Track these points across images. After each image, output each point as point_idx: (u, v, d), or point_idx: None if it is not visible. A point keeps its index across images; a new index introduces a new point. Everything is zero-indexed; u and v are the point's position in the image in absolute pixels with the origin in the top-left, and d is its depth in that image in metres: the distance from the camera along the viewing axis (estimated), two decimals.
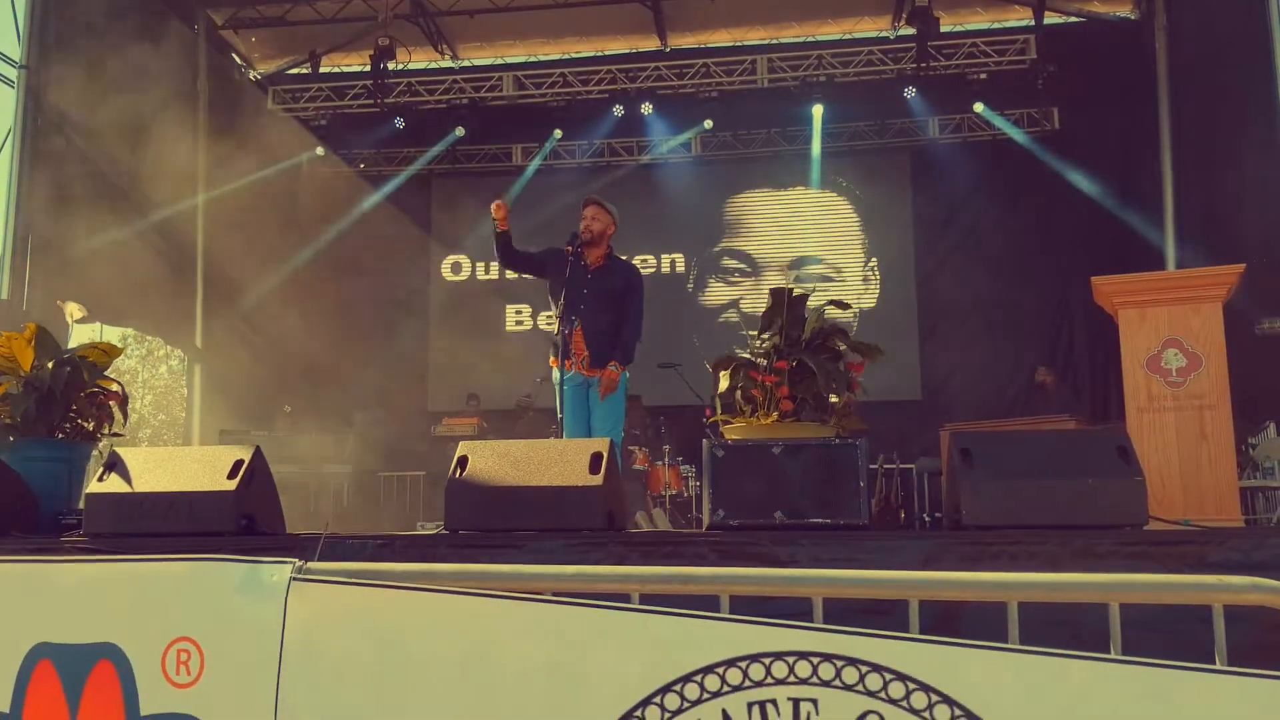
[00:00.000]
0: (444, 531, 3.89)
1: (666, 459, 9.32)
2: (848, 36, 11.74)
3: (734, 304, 12.34)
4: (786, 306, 4.54)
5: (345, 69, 12.39)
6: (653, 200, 12.31)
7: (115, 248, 9.13)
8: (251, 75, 12.53)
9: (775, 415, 4.38)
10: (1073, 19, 11.32)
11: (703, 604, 1.90)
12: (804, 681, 1.75)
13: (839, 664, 1.74)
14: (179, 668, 2.05)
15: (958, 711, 1.72)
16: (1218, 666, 1.75)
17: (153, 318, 10.60)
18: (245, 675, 2.03)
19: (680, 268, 12.59)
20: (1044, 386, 10.38)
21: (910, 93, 11.17)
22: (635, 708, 1.80)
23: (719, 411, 4.62)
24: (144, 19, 9.99)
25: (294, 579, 2.05)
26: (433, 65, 12.45)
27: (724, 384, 4.52)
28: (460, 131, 12.14)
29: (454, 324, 12.62)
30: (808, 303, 4.67)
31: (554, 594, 1.96)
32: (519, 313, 12.75)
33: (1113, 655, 1.78)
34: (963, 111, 11.56)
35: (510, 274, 12.73)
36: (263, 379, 11.05)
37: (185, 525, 3.82)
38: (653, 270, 12.28)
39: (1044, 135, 11.36)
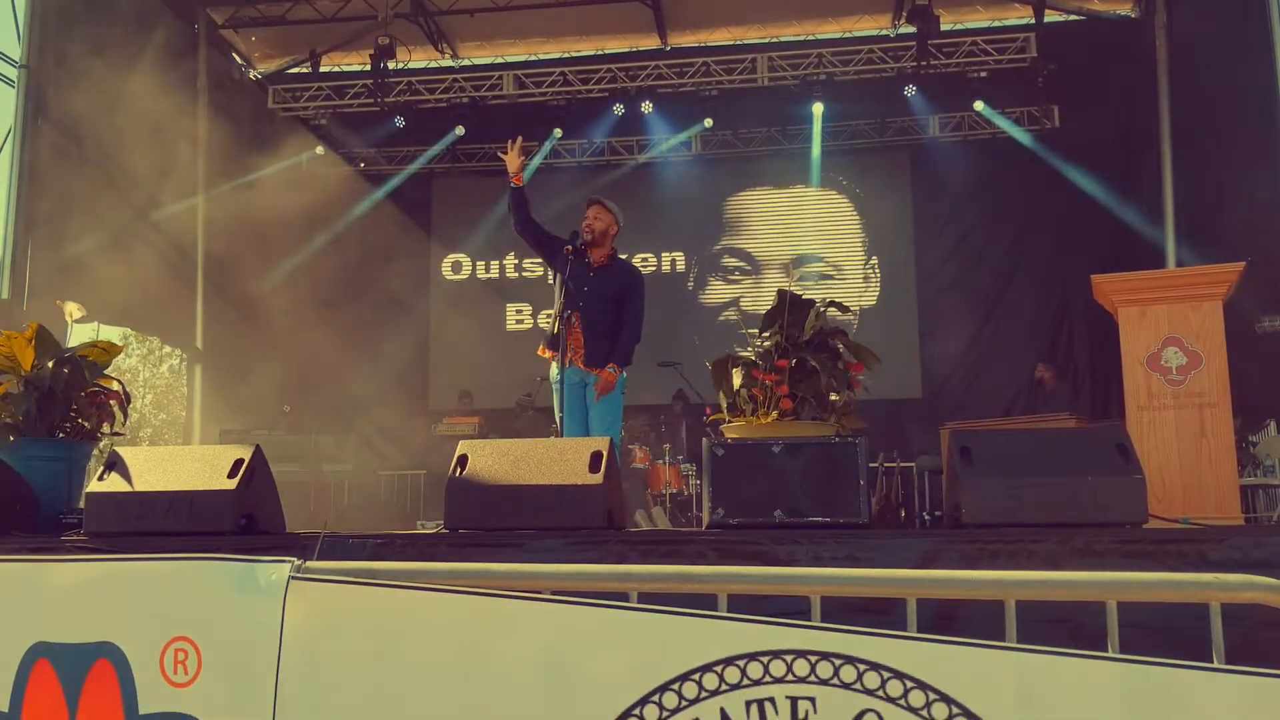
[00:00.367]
0: (444, 530, 3.89)
1: (666, 457, 9.33)
2: (848, 35, 11.73)
3: (734, 303, 12.35)
4: (788, 307, 4.54)
5: (345, 68, 12.38)
6: (653, 199, 12.31)
7: (115, 247, 9.13)
8: (252, 74, 12.53)
9: (775, 414, 4.39)
10: (1073, 17, 11.30)
11: (702, 603, 1.90)
12: (802, 680, 1.75)
13: (837, 662, 1.74)
14: (176, 667, 2.05)
15: (955, 710, 1.72)
16: (1215, 665, 1.75)
17: (153, 317, 10.59)
18: (243, 674, 2.03)
19: (680, 266, 12.59)
20: (1043, 383, 10.38)
21: (910, 91, 11.16)
22: (634, 706, 1.80)
23: (723, 409, 4.62)
24: (144, 18, 9.99)
25: (293, 578, 2.05)
26: (433, 64, 12.44)
27: (738, 380, 4.51)
28: (460, 130, 12.14)
29: (454, 323, 12.63)
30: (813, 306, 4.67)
31: (553, 593, 1.96)
32: (519, 311, 12.76)
33: (1110, 653, 1.78)
34: (963, 110, 11.56)
35: (511, 273, 12.87)
36: (263, 378, 11.05)
37: (185, 524, 3.82)
38: (653, 269, 12.29)
39: (1044, 133, 11.36)
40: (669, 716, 1.78)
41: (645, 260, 12.22)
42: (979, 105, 11.38)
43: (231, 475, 3.91)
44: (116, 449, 4.17)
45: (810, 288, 11.55)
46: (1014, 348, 11.36)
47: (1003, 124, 11.45)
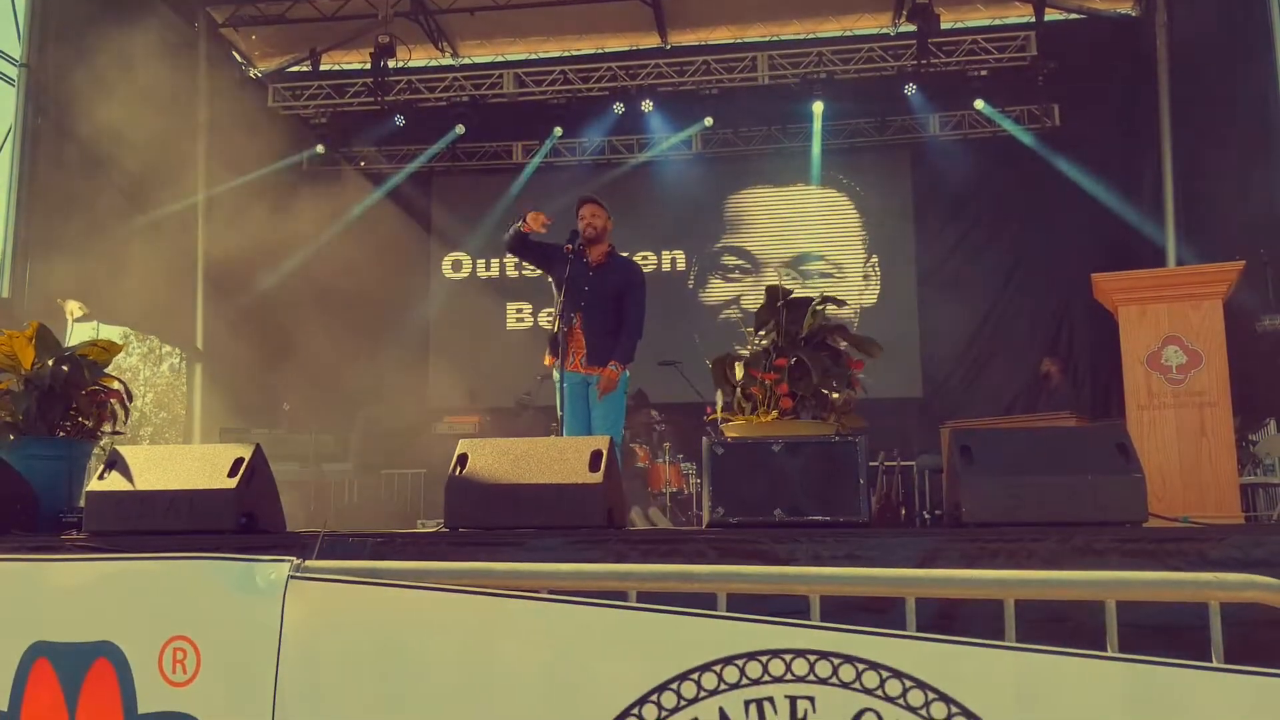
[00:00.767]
0: (444, 529, 3.89)
1: (667, 456, 9.32)
2: (848, 33, 11.73)
3: (734, 301, 12.34)
4: (785, 306, 4.54)
5: (345, 67, 12.37)
6: (653, 198, 12.31)
7: (115, 246, 9.13)
8: (252, 73, 12.52)
9: (775, 413, 4.39)
10: (1073, 16, 11.30)
11: (701, 602, 1.90)
12: (801, 679, 1.75)
13: (836, 662, 1.74)
14: (175, 666, 2.05)
15: (954, 709, 1.72)
16: (1214, 664, 1.75)
17: (153, 316, 10.59)
18: (242, 674, 2.03)
19: (681, 265, 12.58)
20: (1049, 377, 10.38)
21: (911, 89, 11.15)
22: (633, 706, 1.80)
23: (720, 409, 4.62)
24: (144, 17, 9.97)
25: (292, 577, 2.05)
26: (433, 63, 12.43)
27: (739, 373, 4.52)
28: (460, 129, 12.12)
29: (454, 322, 12.63)
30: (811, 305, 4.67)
31: (552, 592, 1.96)
32: (519, 310, 12.75)
33: (1110, 653, 1.78)
34: (963, 108, 11.54)
35: (511, 272, 12.87)
36: (263, 377, 11.06)
37: (186, 523, 3.82)
38: (653, 268, 12.28)
39: (1044, 132, 11.35)
40: (668, 716, 1.78)
41: (645, 259, 12.20)
42: (979, 104, 11.37)
43: (231, 474, 3.91)
44: (117, 448, 4.17)
45: (811, 287, 11.54)
46: (1014, 347, 11.36)
47: (1003, 123, 11.44)
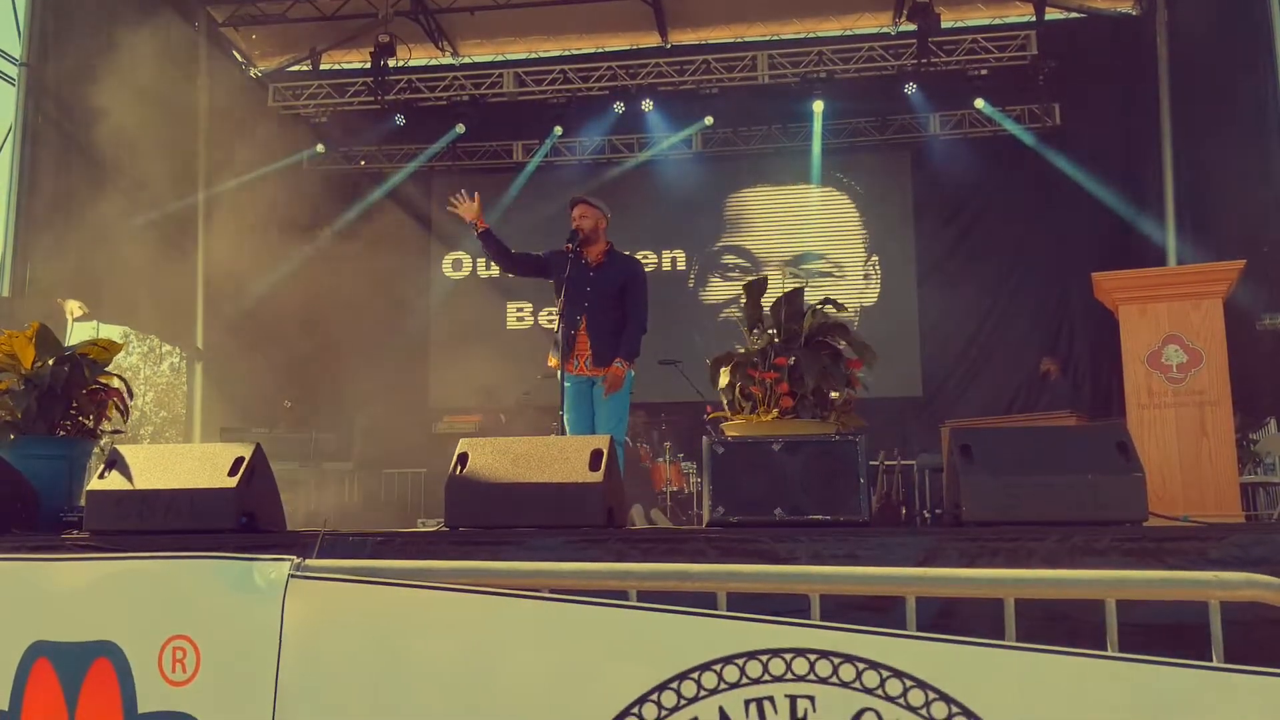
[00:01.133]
0: (444, 528, 3.89)
1: (668, 455, 9.33)
2: (848, 33, 11.74)
3: (735, 301, 12.33)
4: (784, 303, 4.54)
5: (346, 66, 12.38)
6: (653, 197, 12.31)
7: (116, 245, 9.13)
8: (252, 72, 12.53)
9: (775, 412, 4.39)
10: (1074, 15, 11.31)
11: (701, 601, 1.90)
12: (801, 679, 1.75)
13: (836, 661, 1.74)
14: (175, 665, 2.05)
15: (955, 709, 1.71)
16: (1214, 664, 1.75)
17: (153, 315, 10.60)
18: (242, 673, 2.03)
19: (681, 265, 12.58)
20: (1048, 376, 10.38)
21: (911, 89, 11.15)
22: (632, 705, 1.80)
23: (723, 407, 4.63)
24: (144, 16, 9.98)
25: (292, 576, 2.05)
26: (433, 62, 12.44)
27: (723, 380, 4.52)
28: (461, 128, 12.13)
29: (454, 321, 12.63)
30: (806, 300, 4.68)
31: (552, 591, 1.96)
32: (520, 310, 12.76)
33: (1110, 653, 1.78)
34: (963, 108, 11.54)
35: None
36: (263, 377, 11.06)
37: (186, 523, 3.82)
38: (654, 267, 12.28)
39: (1045, 131, 11.35)
40: (668, 715, 1.78)
41: (646, 258, 12.19)
42: (980, 103, 11.37)
43: (232, 473, 3.91)
44: (117, 447, 4.17)
45: (811, 286, 11.55)
46: (1015, 346, 11.36)
47: (1004, 122, 11.44)
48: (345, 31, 11.56)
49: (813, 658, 1.75)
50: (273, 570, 2.06)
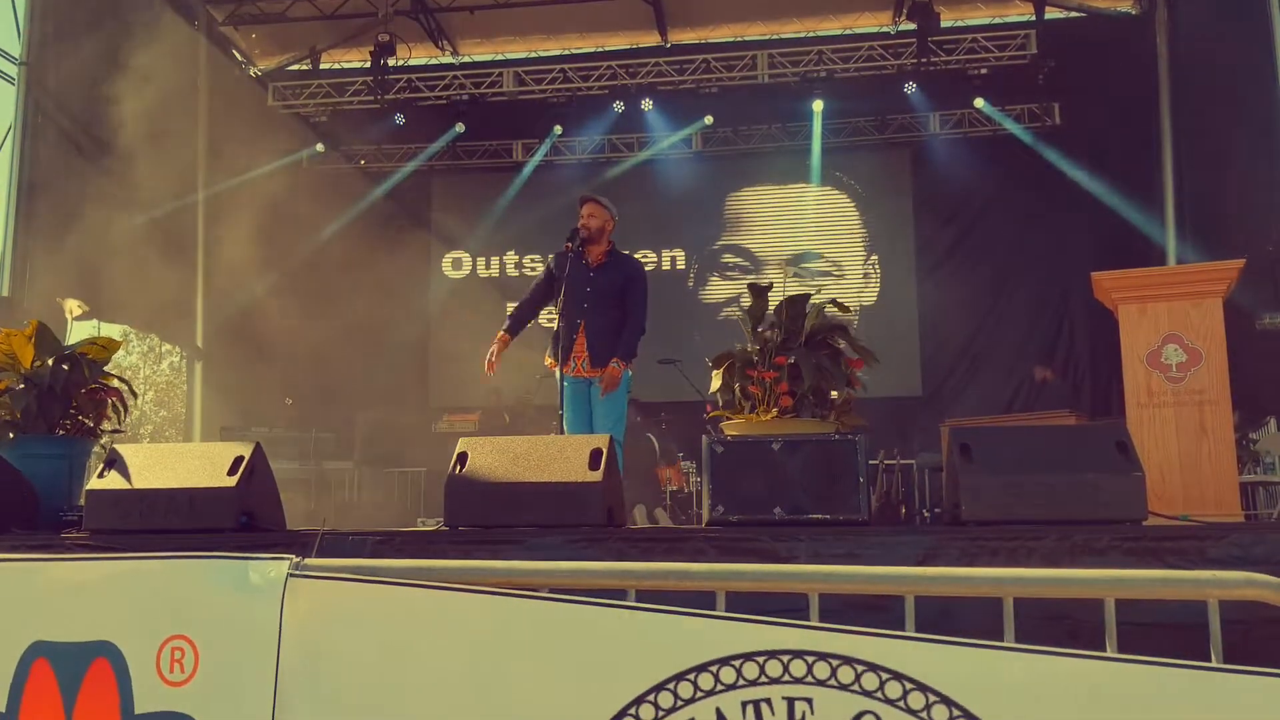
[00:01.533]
0: (444, 528, 3.89)
1: (658, 455, 9.36)
2: (848, 32, 11.73)
3: (734, 300, 12.33)
4: (785, 304, 4.54)
5: (345, 65, 12.38)
6: (653, 196, 12.31)
7: (115, 244, 9.12)
8: (252, 72, 12.52)
9: (775, 411, 4.39)
10: (1073, 14, 11.30)
11: (700, 600, 1.90)
12: (799, 680, 1.74)
13: (835, 663, 1.74)
14: (173, 665, 2.05)
15: (956, 712, 1.71)
16: (1213, 663, 1.75)
17: (153, 314, 10.60)
18: (241, 673, 2.02)
19: (680, 264, 12.58)
20: (1045, 382, 10.38)
21: (911, 88, 11.15)
22: (630, 705, 1.79)
23: (716, 408, 4.63)
24: (144, 15, 9.98)
25: (291, 575, 2.04)
26: (433, 61, 12.44)
27: (716, 382, 4.53)
28: (460, 128, 12.14)
29: (454, 320, 12.62)
30: (809, 300, 4.68)
31: (551, 590, 1.96)
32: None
33: (1109, 652, 1.78)
34: (963, 107, 11.55)
35: (511, 270, 12.88)
36: (263, 376, 11.06)
37: (185, 522, 3.82)
38: (653, 266, 12.28)
39: (1045, 131, 11.35)
40: (664, 716, 1.78)
41: (645, 257, 12.20)
42: (979, 102, 11.37)
43: (231, 473, 3.91)
44: (116, 446, 4.17)
45: (811, 285, 11.54)
46: (1014, 345, 11.37)
47: (1003, 121, 11.44)
48: (345, 30, 11.56)
49: (811, 659, 1.75)
50: (272, 569, 2.06)
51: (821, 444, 3.93)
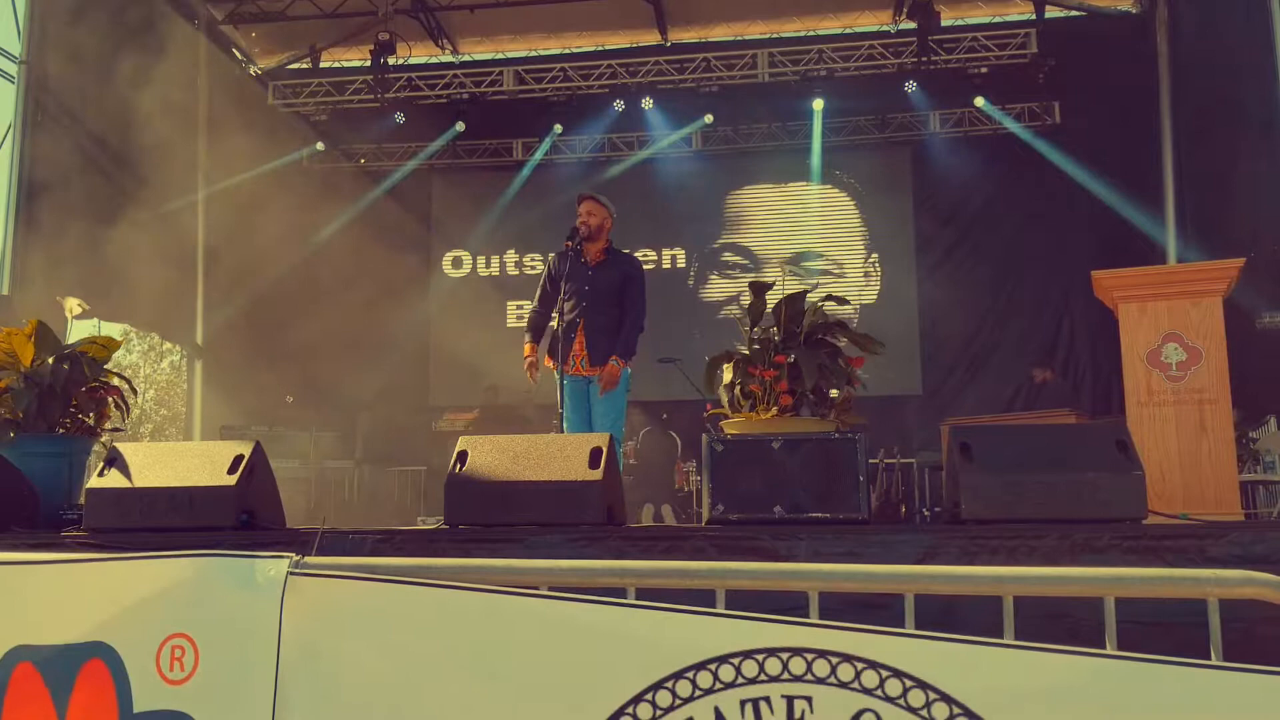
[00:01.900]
0: (444, 526, 3.90)
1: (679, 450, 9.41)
2: (848, 31, 11.73)
3: (734, 299, 12.33)
4: (784, 302, 4.54)
5: (345, 64, 12.37)
6: (653, 195, 12.30)
7: (115, 243, 9.12)
8: (252, 70, 12.52)
9: (775, 410, 4.39)
10: (1074, 13, 11.30)
11: (699, 599, 1.90)
12: (798, 678, 1.74)
13: (834, 660, 1.74)
14: (173, 664, 2.05)
15: (956, 709, 1.71)
16: (1213, 661, 1.75)
17: (153, 313, 10.60)
18: (241, 671, 2.02)
19: (681, 263, 12.58)
20: (1045, 383, 10.38)
21: (911, 87, 11.15)
22: (628, 704, 1.79)
23: (715, 407, 4.63)
24: (144, 14, 9.98)
25: (291, 574, 2.04)
26: (433, 60, 12.44)
27: (726, 377, 4.53)
28: (460, 126, 12.13)
29: (455, 319, 12.63)
30: (807, 298, 4.68)
31: (551, 588, 1.96)
32: (520, 308, 12.75)
33: (1109, 651, 1.78)
34: (963, 106, 11.54)
35: (512, 269, 12.88)
36: (264, 375, 11.06)
37: (185, 520, 3.82)
38: (653, 265, 12.27)
39: (1045, 129, 11.35)
40: (663, 715, 1.77)
41: (646, 256, 12.20)
42: (979, 101, 11.36)
43: (231, 471, 3.91)
44: (116, 445, 4.17)
45: (811, 284, 11.55)
46: (1014, 344, 11.36)
47: (1003, 120, 11.44)
48: (345, 29, 11.55)
49: (810, 657, 1.74)
50: (272, 568, 2.06)
51: (821, 443, 3.93)
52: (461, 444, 3.98)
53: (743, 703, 1.75)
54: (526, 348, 5.93)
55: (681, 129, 12.12)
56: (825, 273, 12.08)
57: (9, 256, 8.48)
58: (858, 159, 12.27)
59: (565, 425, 5.58)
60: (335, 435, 10.65)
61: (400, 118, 11.86)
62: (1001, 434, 4.18)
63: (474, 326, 12.41)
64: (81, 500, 4.19)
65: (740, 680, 1.76)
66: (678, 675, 1.78)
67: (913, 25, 10.57)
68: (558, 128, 12.26)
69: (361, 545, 3.58)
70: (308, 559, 2.07)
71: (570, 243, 5.78)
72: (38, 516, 4.29)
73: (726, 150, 12.37)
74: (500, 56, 12.49)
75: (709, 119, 11.99)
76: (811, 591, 1.91)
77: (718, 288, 12.50)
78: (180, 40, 10.69)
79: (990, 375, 11.39)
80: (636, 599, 1.91)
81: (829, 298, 4.74)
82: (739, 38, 11.95)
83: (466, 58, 12.58)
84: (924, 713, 1.71)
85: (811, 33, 11.83)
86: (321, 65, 12.16)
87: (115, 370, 5.04)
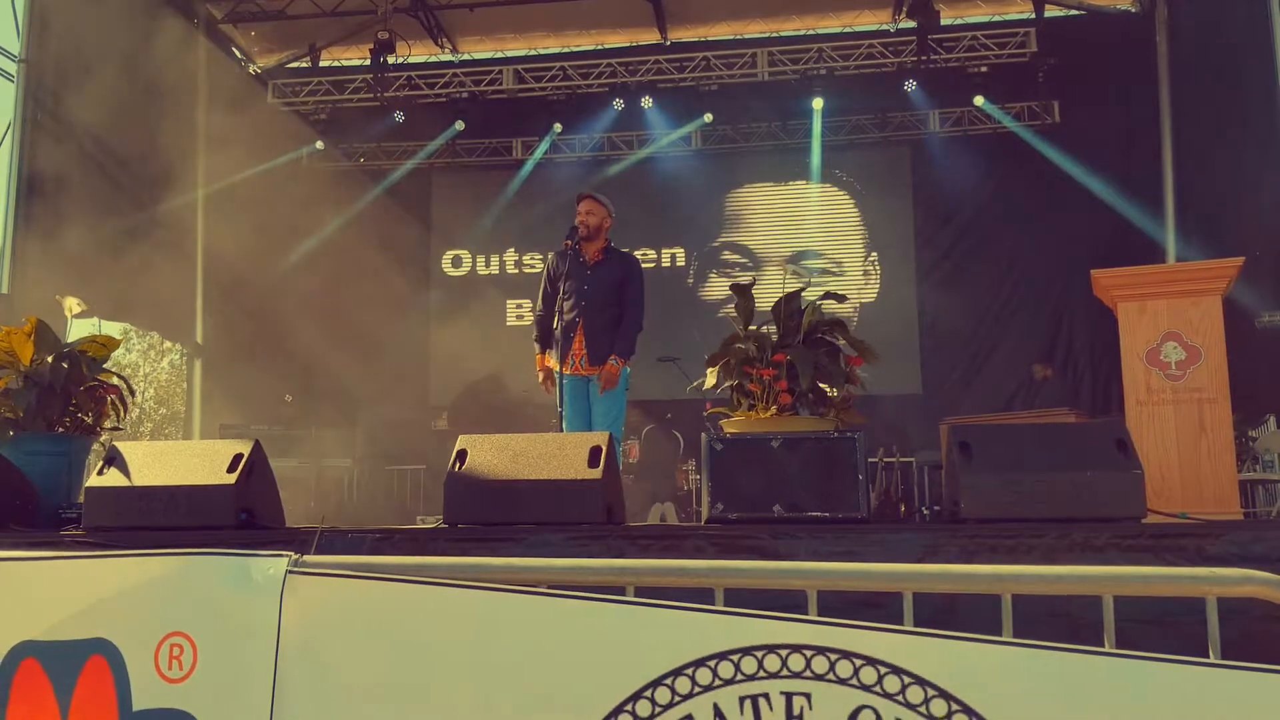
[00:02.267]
0: (443, 525, 3.90)
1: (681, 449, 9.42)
2: (848, 29, 11.74)
3: (734, 298, 12.31)
4: (785, 302, 4.55)
5: (345, 63, 12.37)
6: (653, 194, 12.30)
7: (115, 242, 9.13)
8: (251, 69, 12.52)
9: (774, 409, 4.39)
10: (1073, 12, 11.30)
11: (698, 598, 1.90)
12: (797, 675, 1.74)
13: (833, 657, 1.74)
14: (171, 663, 2.05)
15: (955, 706, 1.71)
16: (1211, 660, 1.75)
17: (153, 312, 10.61)
18: (240, 669, 2.02)
19: (680, 261, 12.58)
20: (1045, 380, 10.38)
21: (910, 86, 11.14)
22: (626, 701, 1.79)
23: (715, 406, 4.64)
24: (143, 13, 9.97)
25: (290, 572, 2.04)
26: (432, 59, 12.44)
27: (711, 379, 4.54)
28: (460, 125, 12.12)
29: (454, 318, 12.62)
30: (805, 296, 4.69)
31: (549, 586, 1.96)
32: (519, 306, 12.75)
33: (1107, 649, 1.78)
34: (963, 105, 11.54)
35: (511, 269, 12.88)
36: (263, 374, 11.06)
37: (185, 519, 3.83)
38: (653, 264, 12.27)
39: (1044, 128, 11.34)
40: (661, 712, 1.77)
41: (645, 255, 12.20)
42: (979, 100, 11.36)
43: (231, 470, 3.91)
44: (115, 444, 4.17)
45: (811, 283, 11.54)
46: (1014, 343, 11.36)
47: (1003, 119, 11.43)
48: (345, 28, 11.55)
49: (809, 654, 1.74)
50: (270, 566, 2.06)
51: (821, 441, 3.93)
52: (461, 442, 3.98)
53: (741, 699, 1.75)
54: (538, 359, 5.93)
55: (681, 128, 12.11)
56: (825, 272, 12.08)
57: (8, 255, 8.47)
58: (857, 158, 12.26)
59: (564, 424, 5.58)
60: (334, 434, 10.65)
61: (400, 117, 11.85)
62: (1001, 433, 4.19)
63: (474, 325, 12.42)
64: (81, 499, 4.19)
65: (739, 677, 1.76)
66: (676, 672, 1.78)
67: (912, 24, 10.58)
68: (557, 127, 12.26)
69: (360, 544, 3.59)
70: (307, 558, 2.07)
71: (569, 242, 5.78)
72: (37, 515, 4.29)
73: (726, 149, 12.36)
74: (500, 55, 12.48)
75: (708, 118, 11.99)
76: (810, 590, 1.91)
77: (718, 287, 12.49)
78: (179, 39, 10.69)
79: (990, 374, 11.39)
80: (635, 598, 1.91)
81: (826, 295, 4.74)
82: (738, 36, 11.94)
83: (466, 56, 12.58)
84: (922, 709, 1.71)
85: (811, 31, 11.83)
86: (321, 64, 12.17)
87: (114, 370, 5.04)
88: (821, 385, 4.51)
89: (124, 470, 4.00)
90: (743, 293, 4.76)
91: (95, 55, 8.94)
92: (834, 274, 12.11)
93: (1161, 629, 2.36)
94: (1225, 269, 4.43)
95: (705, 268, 12.56)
